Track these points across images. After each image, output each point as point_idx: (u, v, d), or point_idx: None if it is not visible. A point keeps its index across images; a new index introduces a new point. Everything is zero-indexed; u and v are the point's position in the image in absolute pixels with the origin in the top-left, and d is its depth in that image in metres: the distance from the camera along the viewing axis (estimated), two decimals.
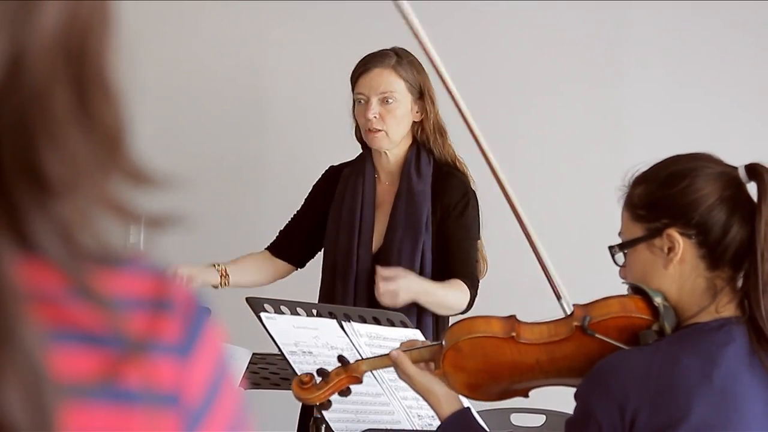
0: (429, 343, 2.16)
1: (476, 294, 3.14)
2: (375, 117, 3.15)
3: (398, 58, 3.20)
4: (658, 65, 4.02)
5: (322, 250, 3.29)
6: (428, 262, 3.16)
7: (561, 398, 2.09)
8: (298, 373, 2.49)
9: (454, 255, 3.15)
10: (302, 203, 3.37)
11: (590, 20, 4.01)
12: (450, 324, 2.12)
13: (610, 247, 2.02)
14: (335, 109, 3.88)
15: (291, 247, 3.33)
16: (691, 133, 3.84)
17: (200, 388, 0.64)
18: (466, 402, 2.11)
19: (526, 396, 2.11)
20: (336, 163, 3.37)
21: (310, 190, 3.37)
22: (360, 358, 2.33)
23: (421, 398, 2.57)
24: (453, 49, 4.02)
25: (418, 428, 2.56)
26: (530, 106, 3.99)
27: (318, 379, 2.16)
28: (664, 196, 1.94)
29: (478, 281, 3.16)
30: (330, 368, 2.18)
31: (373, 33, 3.97)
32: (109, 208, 0.60)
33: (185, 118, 4.11)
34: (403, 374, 2.11)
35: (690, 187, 1.93)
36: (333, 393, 2.16)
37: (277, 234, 3.36)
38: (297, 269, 3.37)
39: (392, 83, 3.17)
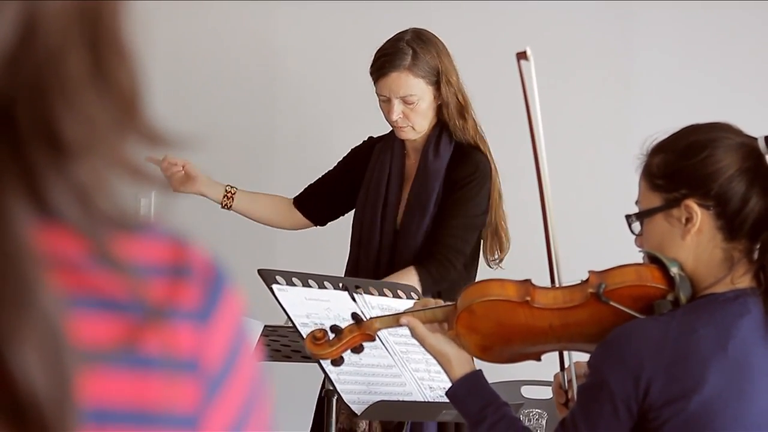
0: (442, 303, 2.15)
1: (446, 272, 3.09)
2: (399, 117, 3.15)
3: (413, 53, 3.14)
4: (668, 40, 4.00)
5: (351, 223, 3.31)
6: None
7: None
8: None
9: (439, 229, 3.15)
10: (337, 163, 3.38)
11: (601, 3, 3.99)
12: (465, 285, 2.11)
13: (627, 216, 2.01)
14: (345, 81, 3.88)
15: (314, 203, 3.37)
16: (702, 108, 3.82)
17: (219, 354, 0.63)
18: (480, 364, 2.11)
19: (539, 359, 2.11)
20: (359, 140, 3.38)
21: (349, 153, 3.38)
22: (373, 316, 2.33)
23: (432, 371, 2.58)
24: (461, 26, 4.01)
25: (430, 400, 2.57)
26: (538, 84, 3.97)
27: (331, 336, 2.16)
28: (683, 167, 1.93)
29: (451, 261, 3.11)
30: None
31: (384, 7, 3.96)
32: (126, 171, 0.59)
33: (195, 92, 4.10)
34: (414, 335, 2.11)
35: (710, 158, 1.91)
36: (346, 349, 2.15)
37: (305, 187, 3.39)
38: (315, 226, 3.41)
39: (411, 86, 3.14)
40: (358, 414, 2.43)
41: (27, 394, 0.54)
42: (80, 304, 0.58)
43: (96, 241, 0.58)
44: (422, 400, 2.56)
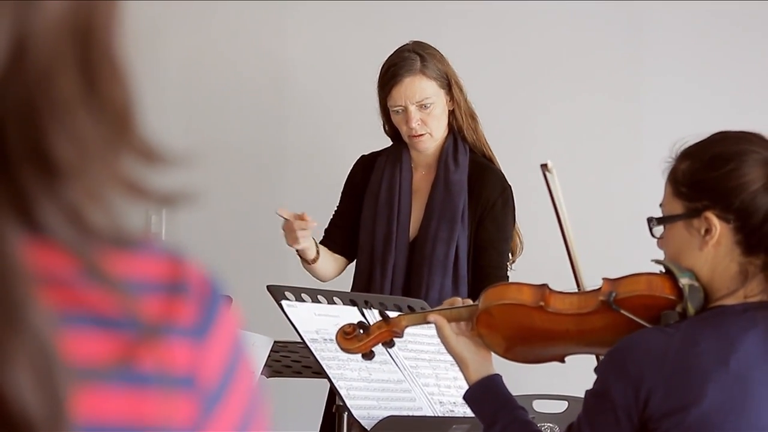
0: (469, 302, 2.16)
1: None
2: (418, 124, 3.16)
3: (421, 58, 3.18)
4: (677, 45, 3.99)
5: (360, 238, 3.26)
6: (462, 252, 3.18)
7: (584, 384, 2.08)
8: (320, 361, 2.50)
9: (490, 255, 3.19)
10: (340, 197, 3.35)
11: (610, 8, 3.99)
12: (486, 288, 2.13)
13: (649, 220, 2.00)
14: (354, 93, 3.87)
15: (344, 241, 3.29)
16: (713, 114, 3.81)
17: (216, 370, 0.63)
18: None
19: (563, 361, 2.12)
20: (366, 153, 3.36)
21: (345, 183, 3.35)
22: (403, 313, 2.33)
23: (442, 385, 2.58)
24: (475, 36, 4.01)
25: (440, 414, 2.56)
26: (549, 93, 3.96)
27: (360, 332, 2.17)
28: (707, 178, 1.90)
29: (507, 277, 3.21)
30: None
31: (392, 18, 3.96)
32: (121, 188, 0.59)
33: (205, 105, 4.10)
34: (440, 334, 2.12)
35: (735, 172, 1.88)
36: (375, 344, 2.18)
37: (324, 233, 3.32)
38: (349, 263, 3.33)
39: (425, 89, 3.16)
40: (368, 429, 2.43)
41: (19, 414, 0.53)
42: (73, 322, 0.58)
43: (88, 259, 0.58)
44: (432, 414, 2.56)
